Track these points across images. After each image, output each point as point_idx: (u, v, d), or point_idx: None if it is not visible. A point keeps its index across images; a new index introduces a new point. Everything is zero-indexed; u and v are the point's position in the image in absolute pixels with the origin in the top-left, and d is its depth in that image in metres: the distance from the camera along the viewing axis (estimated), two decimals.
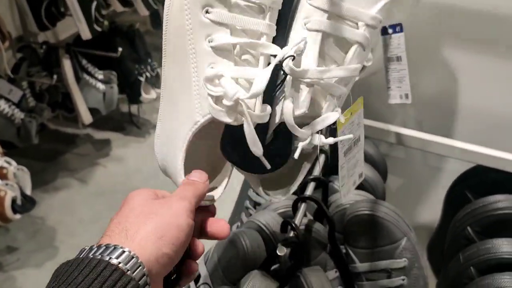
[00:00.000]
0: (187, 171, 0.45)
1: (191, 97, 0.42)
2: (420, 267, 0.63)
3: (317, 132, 0.44)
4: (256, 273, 0.53)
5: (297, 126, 0.42)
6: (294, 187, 0.49)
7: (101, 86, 1.77)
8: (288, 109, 0.42)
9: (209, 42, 0.41)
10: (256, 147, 0.41)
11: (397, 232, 0.62)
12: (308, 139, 0.43)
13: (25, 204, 1.30)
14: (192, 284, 0.61)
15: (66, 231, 1.63)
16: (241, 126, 0.41)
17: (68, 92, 1.72)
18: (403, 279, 0.61)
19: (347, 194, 0.53)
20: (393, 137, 0.81)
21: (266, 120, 0.42)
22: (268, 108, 0.42)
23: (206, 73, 0.41)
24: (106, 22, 1.70)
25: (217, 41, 0.41)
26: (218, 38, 0.41)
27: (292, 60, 0.41)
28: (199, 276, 0.62)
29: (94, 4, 1.60)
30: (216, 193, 0.46)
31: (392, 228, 0.62)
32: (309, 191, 0.67)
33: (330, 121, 0.43)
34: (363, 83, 0.80)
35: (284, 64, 0.41)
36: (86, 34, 1.60)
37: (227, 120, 0.41)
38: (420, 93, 0.86)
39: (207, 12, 0.41)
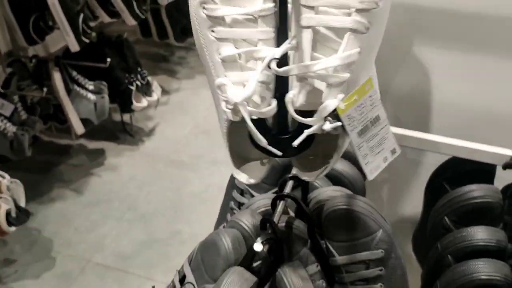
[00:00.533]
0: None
1: (220, 100, 0.51)
2: (397, 257, 0.65)
3: (325, 119, 0.48)
4: (235, 269, 0.55)
5: (298, 116, 0.48)
6: (327, 170, 0.54)
7: (92, 96, 1.80)
8: (288, 102, 0.48)
9: (219, 54, 0.49)
10: (258, 139, 0.48)
11: (373, 224, 0.64)
12: (315, 126, 0.48)
13: (19, 217, 1.32)
14: (177, 283, 0.63)
15: (62, 241, 1.65)
16: (257, 121, 0.49)
17: (60, 103, 1.75)
18: (380, 270, 0.63)
19: (375, 172, 0.53)
20: None
21: (270, 114, 0.49)
22: (274, 103, 0.49)
23: (216, 82, 0.50)
24: (94, 34, 1.73)
25: (223, 54, 0.49)
26: (223, 51, 0.49)
27: (279, 61, 0.46)
28: (184, 275, 0.64)
29: (81, 16, 1.63)
30: None
31: (368, 221, 0.64)
32: (287, 189, 0.69)
33: (329, 108, 0.47)
34: None
35: (270, 66, 0.46)
36: (74, 47, 1.62)
37: (234, 118, 0.49)
38: (396, 90, 0.89)
39: (212, 31, 0.49)
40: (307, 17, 0.46)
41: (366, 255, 0.63)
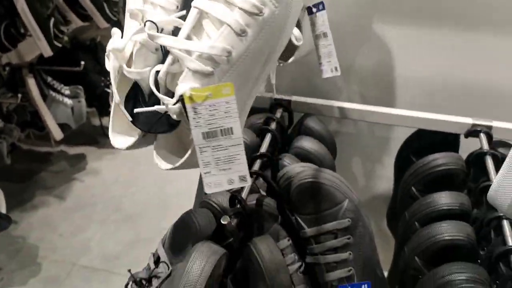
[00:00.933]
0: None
1: None
2: (365, 225, 0.67)
3: (177, 102, 0.47)
4: (204, 242, 0.56)
5: (154, 88, 0.48)
6: (181, 161, 0.52)
7: (68, 101, 1.80)
8: (153, 72, 0.48)
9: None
10: (114, 91, 0.49)
11: (339, 195, 0.66)
12: (161, 105, 0.47)
13: (0, 223, 1.32)
14: (152, 264, 0.65)
15: (47, 247, 1.65)
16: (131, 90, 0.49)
17: (36, 110, 1.74)
18: (348, 238, 0.65)
19: (214, 188, 0.49)
20: (336, 112, 0.85)
21: (137, 77, 0.49)
22: (146, 69, 0.49)
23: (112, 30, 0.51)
24: (66, 38, 1.73)
25: (127, 6, 0.51)
26: (129, 3, 0.51)
27: (156, 27, 0.48)
28: (158, 257, 0.65)
29: (52, 20, 1.63)
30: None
31: (334, 192, 0.65)
32: (256, 167, 0.71)
33: (178, 92, 0.46)
34: (307, 64, 0.85)
35: (145, 29, 0.47)
36: (47, 51, 1.62)
37: (107, 66, 0.50)
38: (360, 68, 0.91)
39: None
40: None
41: (334, 225, 0.65)
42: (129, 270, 0.66)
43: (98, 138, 2.13)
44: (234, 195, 0.63)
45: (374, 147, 0.98)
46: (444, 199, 0.71)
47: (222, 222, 0.57)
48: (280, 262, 0.61)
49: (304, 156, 0.80)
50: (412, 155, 0.86)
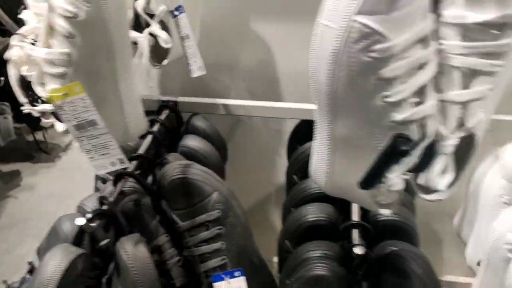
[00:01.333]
0: None
1: None
2: (236, 215, 0.70)
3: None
4: (60, 245, 0.58)
5: (40, 92, 0.57)
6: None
7: None
8: (33, 75, 0.55)
9: None
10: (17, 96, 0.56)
11: (207, 188, 0.68)
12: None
13: None
14: (27, 273, 0.66)
15: None
16: None
17: None
18: (219, 229, 0.68)
19: (101, 170, 0.59)
20: (222, 109, 0.88)
21: (31, 79, 0.56)
22: (32, 73, 0.55)
23: None
24: None
25: None
26: None
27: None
28: (33, 266, 0.66)
29: None
30: None
31: (202, 185, 0.68)
32: (131, 168, 0.72)
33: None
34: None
35: (14, 41, 0.55)
36: None
37: None
38: (245, 65, 0.94)
39: None
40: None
41: (204, 218, 0.68)
42: (5, 281, 0.66)
43: (33, 153, 2.10)
44: (101, 197, 0.65)
45: (270, 140, 1.01)
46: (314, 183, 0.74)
47: (77, 224, 0.58)
48: (146, 259, 0.62)
49: (190, 155, 0.82)
50: (297, 144, 0.89)
